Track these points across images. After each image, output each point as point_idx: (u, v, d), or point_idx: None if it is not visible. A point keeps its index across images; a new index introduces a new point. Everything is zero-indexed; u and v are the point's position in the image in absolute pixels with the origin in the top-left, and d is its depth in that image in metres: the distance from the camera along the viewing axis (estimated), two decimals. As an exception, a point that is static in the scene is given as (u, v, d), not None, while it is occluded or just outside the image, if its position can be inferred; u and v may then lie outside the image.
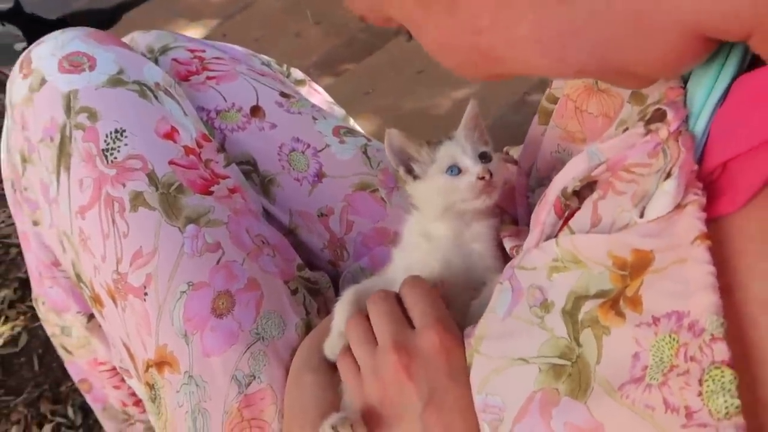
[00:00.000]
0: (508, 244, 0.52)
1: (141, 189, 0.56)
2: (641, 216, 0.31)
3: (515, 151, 0.69)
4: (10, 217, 2.02)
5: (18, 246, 1.89)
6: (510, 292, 0.39)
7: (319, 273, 0.68)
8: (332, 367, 0.53)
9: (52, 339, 0.78)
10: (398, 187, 0.71)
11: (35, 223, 0.64)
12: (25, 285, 1.76)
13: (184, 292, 0.55)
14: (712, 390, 0.26)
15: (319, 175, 0.69)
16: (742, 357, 0.26)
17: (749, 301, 0.26)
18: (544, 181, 0.53)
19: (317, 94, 0.88)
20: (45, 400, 1.45)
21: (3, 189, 2.10)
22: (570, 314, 0.33)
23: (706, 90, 0.32)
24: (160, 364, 0.56)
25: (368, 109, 1.58)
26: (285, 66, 0.85)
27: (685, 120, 0.32)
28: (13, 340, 1.62)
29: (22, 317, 1.67)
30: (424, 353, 0.44)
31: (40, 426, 1.40)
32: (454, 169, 0.53)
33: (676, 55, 0.29)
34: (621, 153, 0.34)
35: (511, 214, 0.58)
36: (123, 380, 0.78)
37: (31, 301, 1.71)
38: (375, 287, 0.55)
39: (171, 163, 0.58)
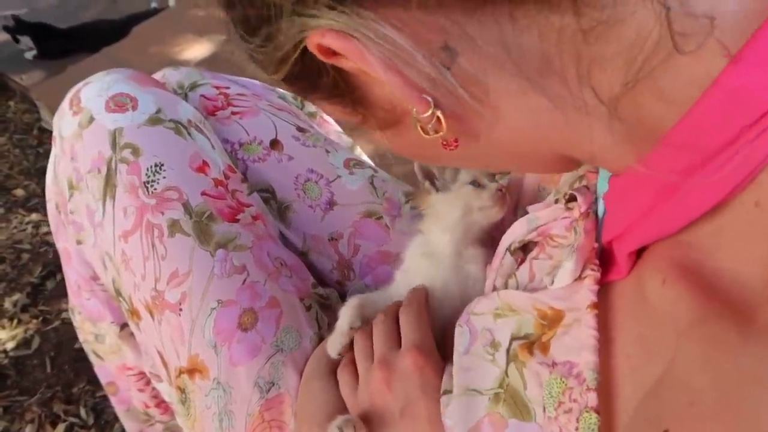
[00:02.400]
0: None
1: (177, 217, 0.64)
2: (552, 283, 0.40)
3: (504, 181, 0.78)
4: (22, 222, 2.09)
5: (29, 251, 1.97)
6: (468, 333, 0.47)
7: (329, 290, 0.76)
8: (334, 373, 0.61)
9: (84, 345, 0.86)
10: (401, 215, 0.79)
11: (79, 242, 0.72)
12: (37, 290, 1.84)
13: (214, 308, 0.63)
14: (583, 427, 0.34)
15: (331, 203, 0.77)
16: (607, 403, 0.34)
17: (616, 354, 0.34)
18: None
19: (327, 124, 0.96)
20: (58, 401, 1.52)
21: (14, 197, 2.16)
22: (507, 351, 0.41)
23: (603, 180, 0.41)
24: (192, 371, 0.64)
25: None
26: (299, 99, 0.93)
27: (594, 203, 0.41)
28: (26, 343, 1.68)
29: (34, 321, 1.74)
30: (403, 371, 0.52)
31: (54, 425, 1.47)
32: (476, 183, 0.62)
33: (555, 168, 0.41)
34: (549, 223, 0.43)
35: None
36: (147, 384, 0.85)
37: (43, 305, 1.78)
38: (377, 299, 0.64)
39: (203, 194, 0.66)
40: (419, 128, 0.36)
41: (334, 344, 0.62)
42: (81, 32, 2.94)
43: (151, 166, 0.64)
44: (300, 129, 0.80)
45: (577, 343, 0.36)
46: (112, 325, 0.77)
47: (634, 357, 0.33)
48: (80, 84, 0.71)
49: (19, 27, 2.85)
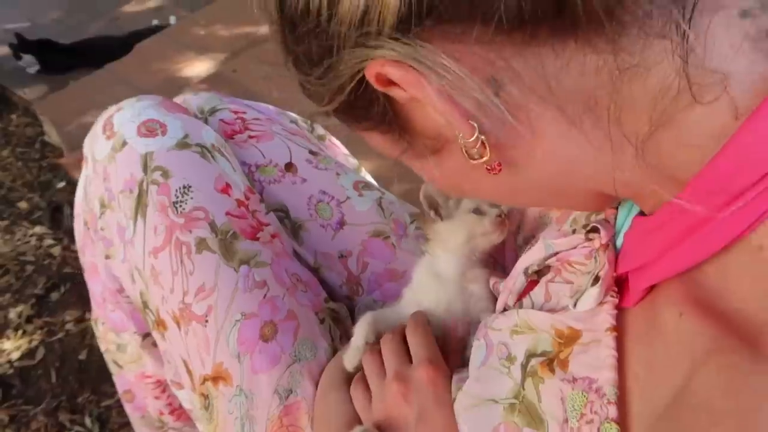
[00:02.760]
0: (491, 281, 0.66)
1: (204, 236, 0.69)
2: (575, 306, 0.45)
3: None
4: (25, 235, 2.12)
5: (33, 263, 2.00)
6: (485, 347, 0.53)
7: (339, 304, 0.81)
8: (349, 383, 0.66)
9: (105, 354, 0.90)
10: (407, 235, 0.84)
11: (107, 257, 0.77)
12: (41, 301, 1.87)
13: (238, 320, 0.68)
14: None
15: (341, 223, 0.83)
16: (622, 416, 0.38)
17: (627, 375, 0.39)
18: (530, 239, 0.67)
19: (335, 147, 1.02)
20: (63, 410, 1.55)
21: (18, 210, 2.18)
22: (524, 366, 0.46)
23: (623, 217, 0.46)
24: (216, 378, 0.68)
25: (366, 149, 1.72)
26: (309, 122, 0.99)
27: (614, 236, 0.47)
28: (30, 353, 1.72)
29: (39, 332, 1.77)
30: (417, 384, 0.57)
31: (60, 434, 1.50)
32: (478, 211, 0.68)
33: (586, 206, 0.46)
34: (568, 251, 0.48)
35: (501, 264, 0.72)
36: (164, 391, 0.90)
37: (47, 316, 1.81)
38: (388, 315, 0.69)
39: (227, 213, 0.71)
40: (465, 153, 0.39)
41: (350, 358, 0.67)
42: (84, 48, 2.99)
43: (179, 188, 0.70)
44: (312, 152, 0.86)
45: (596, 362, 0.40)
46: (134, 335, 0.82)
47: (642, 379, 0.38)
48: (112, 109, 0.76)
49: (21, 45, 2.89)
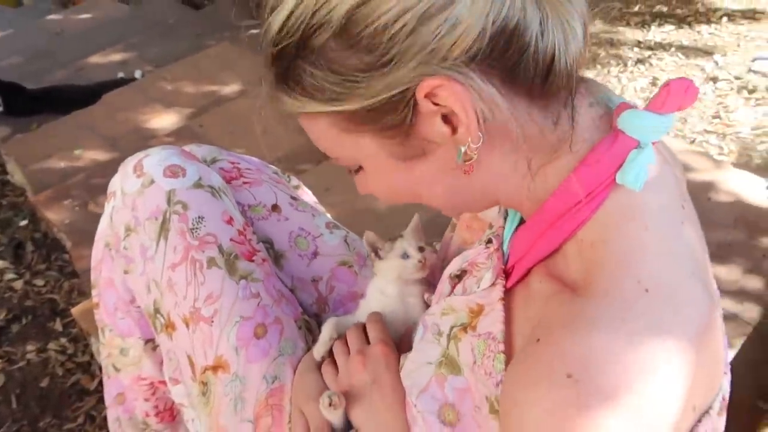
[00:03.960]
0: (425, 295, 0.89)
1: (213, 255, 0.89)
2: (478, 287, 0.68)
3: (437, 245, 1.08)
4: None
5: (-5, 298, 2.06)
6: (422, 327, 0.75)
7: (311, 319, 1.01)
8: (319, 369, 0.86)
9: (105, 360, 1.06)
10: (366, 265, 1.06)
11: (126, 272, 0.95)
12: (2, 332, 1.94)
13: (237, 322, 0.87)
14: (497, 362, 0.60)
15: (315, 254, 1.04)
16: (508, 348, 0.60)
17: (514, 322, 0.61)
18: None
19: (306, 195, 1.24)
20: (24, 434, 1.63)
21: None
22: (448, 335, 0.69)
23: (508, 230, 0.70)
24: (216, 367, 0.87)
25: (328, 202, 1.93)
26: (287, 174, 1.21)
27: (501, 243, 0.70)
28: (-11, 381, 1.78)
29: (-1, 361, 1.84)
30: (373, 356, 0.79)
31: (20, 457, 1.57)
32: (405, 255, 0.90)
33: (481, 208, 0.68)
34: (475, 256, 0.72)
35: (432, 283, 0.95)
36: (153, 394, 1.06)
37: (8, 346, 1.89)
38: (347, 320, 0.91)
39: (231, 240, 0.92)
40: (463, 154, 0.54)
41: (318, 350, 0.88)
42: (50, 94, 3.10)
43: (195, 218, 0.90)
44: (293, 197, 1.08)
45: (493, 321, 0.63)
46: (138, 340, 0.99)
47: (520, 325, 0.60)
48: (141, 155, 0.96)
49: None
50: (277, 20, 0.53)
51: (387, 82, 0.51)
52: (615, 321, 0.49)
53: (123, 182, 0.94)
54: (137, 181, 0.92)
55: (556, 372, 0.48)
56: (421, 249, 0.91)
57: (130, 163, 0.96)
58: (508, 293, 0.64)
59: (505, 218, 0.72)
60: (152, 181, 0.91)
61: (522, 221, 0.67)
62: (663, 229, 0.55)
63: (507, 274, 0.65)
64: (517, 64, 0.51)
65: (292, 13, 0.52)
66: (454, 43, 0.49)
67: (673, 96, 0.54)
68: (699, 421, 0.53)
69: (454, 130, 0.54)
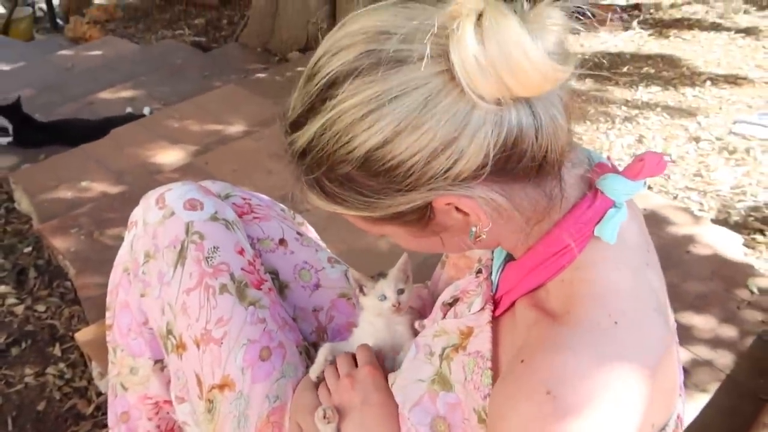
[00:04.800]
0: (416, 323, 0.96)
1: (226, 282, 0.97)
2: (470, 311, 0.76)
3: (428, 283, 1.17)
4: (-8, 295, 2.23)
5: (-7, 321, 2.11)
6: (415, 348, 0.83)
7: (311, 346, 1.09)
8: (316, 389, 0.93)
9: (114, 378, 1.12)
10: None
11: (142, 295, 1.02)
12: (1, 355, 1.98)
13: (244, 344, 0.95)
14: (484, 377, 0.68)
15: (317, 286, 1.12)
16: (495, 365, 0.67)
17: (501, 344, 0.69)
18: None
19: (310, 231, 1.33)
20: (19, 455, 1.66)
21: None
22: (440, 356, 0.77)
23: (497, 262, 0.78)
24: (222, 386, 0.94)
25: (325, 240, 2.02)
26: (292, 212, 1.30)
27: (490, 273, 0.79)
28: (-14, 404, 1.81)
29: (-3, 384, 1.88)
30: (361, 377, 0.86)
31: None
32: (383, 297, 0.98)
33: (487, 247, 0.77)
34: (466, 285, 0.80)
35: (423, 314, 1.03)
36: (157, 413, 1.12)
37: (6, 369, 1.93)
38: (341, 346, 0.99)
39: (242, 269, 1.00)
40: (474, 234, 0.63)
41: (314, 371, 0.95)
42: (60, 127, 3.20)
43: (210, 248, 0.98)
44: (299, 233, 1.17)
45: (481, 341, 0.70)
46: (148, 360, 1.06)
47: (507, 346, 0.68)
48: (163, 189, 1.04)
49: (1, 111, 3.09)
50: (299, 143, 0.61)
51: (406, 200, 0.60)
52: (588, 347, 0.58)
53: (145, 213, 1.03)
54: (159, 212, 1.01)
55: (537, 389, 0.56)
56: (400, 291, 0.98)
57: (152, 196, 1.04)
58: (495, 320, 0.72)
59: (493, 251, 0.81)
60: (173, 213, 1.00)
61: (510, 256, 0.76)
62: (631, 271, 0.64)
63: (495, 302, 0.74)
64: (516, 168, 0.60)
65: (312, 141, 0.60)
66: (460, 170, 0.57)
67: (647, 168, 0.65)
68: None
69: (467, 215, 0.63)
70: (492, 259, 0.80)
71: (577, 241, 0.65)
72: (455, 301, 0.82)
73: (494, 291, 0.75)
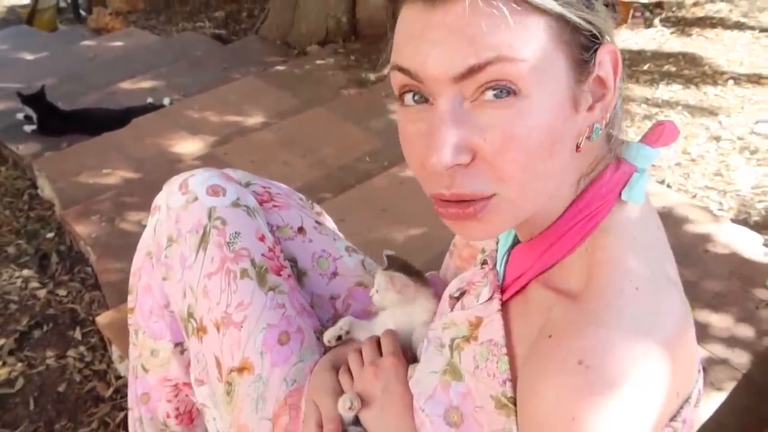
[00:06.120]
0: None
1: (246, 267, 0.99)
2: (478, 301, 0.77)
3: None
4: (11, 277, 2.30)
5: (17, 303, 2.18)
6: (427, 341, 0.83)
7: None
8: (334, 370, 0.94)
9: (135, 360, 1.14)
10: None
11: (164, 279, 1.04)
12: (24, 337, 2.03)
13: (264, 328, 0.96)
14: (501, 364, 0.68)
15: (335, 274, 1.14)
16: (510, 351, 0.68)
17: (513, 330, 0.70)
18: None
19: (328, 221, 1.34)
20: (41, 435, 1.70)
21: (5, 253, 2.37)
22: (450, 346, 0.78)
23: (501, 252, 0.79)
24: (241, 369, 0.96)
25: (341, 232, 2.04)
26: (310, 202, 1.31)
27: (495, 264, 0.80)
28: (9, 383, 1.86)
29: (19, 364, 1.92)
30: (384, 367, 0.87)
31: (36, 458, 1.64)
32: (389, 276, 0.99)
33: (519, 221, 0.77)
34: (472, 277, 0.81)
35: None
36: (176, 396, 1.14)
37: (29, 351, 1.97)
38: (362, 324, 0.99)
39: (262, 255, 1.01)
40: (598, 131, 0.63)
41: (331, 334, 0.97)
42: (82, 116, 3.26)
43: (232, 233, 1.00)
44: (317, 222, 1.18)
45: (492, 330, 0.71)
46: (169, 343, 1.08)
47: (520, 332, 0.69)
48: (186, 174, 1.06)
49: (24, 99, 3.15)
50: None
51: (603, 16, 0.60)
52: (614, 315, 0.58)
53: (168, 198, 1.05)
54: (182, 197, 1.03)
55: (569, 361, 0.56)
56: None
57: (176, 181, 1.06)
58: (504, 305, 0.73)
59: (497, 242, 0.82)
60: (196, 198, 1.02)
61: (514, 244, 0.76)
62: (647, 240, 0.66)
63: (503, 289, 0.75)
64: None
65: None
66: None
67: (666, 134, 0.68)
68: (681, 407, 0.62)
69: (605, 89, 0.63)
70: (496, 250, 0.81)
71: (599, 208, 0.66)
72: (462, 293, 0.83)
73: (501, 281, 0.76)
